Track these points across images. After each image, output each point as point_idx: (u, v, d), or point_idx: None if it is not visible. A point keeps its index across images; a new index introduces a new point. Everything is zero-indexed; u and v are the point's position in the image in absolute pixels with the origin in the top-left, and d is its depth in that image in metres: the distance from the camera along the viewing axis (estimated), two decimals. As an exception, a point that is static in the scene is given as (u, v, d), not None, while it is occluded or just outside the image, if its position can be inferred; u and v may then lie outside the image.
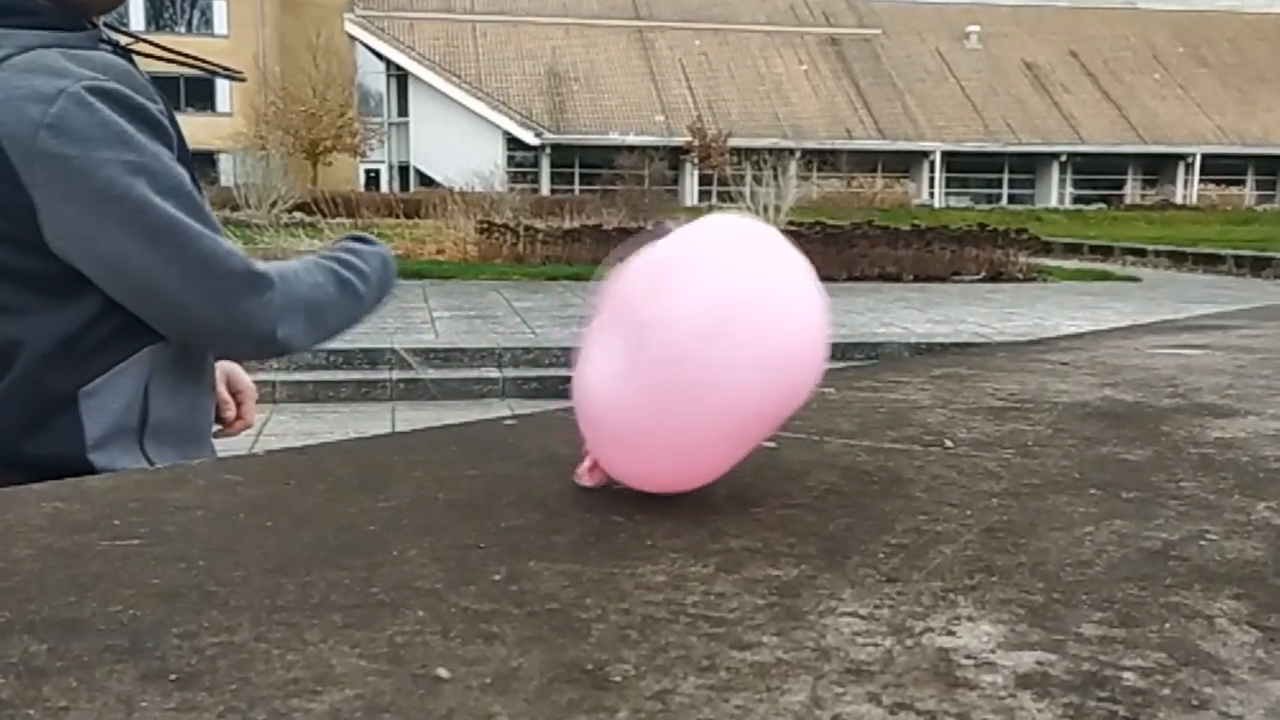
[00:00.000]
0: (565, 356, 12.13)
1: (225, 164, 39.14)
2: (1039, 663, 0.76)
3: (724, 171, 50.52)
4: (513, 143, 61.23)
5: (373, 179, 66.26)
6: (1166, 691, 0.72)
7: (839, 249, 22.92)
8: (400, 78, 65.41)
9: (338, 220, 27.46)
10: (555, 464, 1.29)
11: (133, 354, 1.87)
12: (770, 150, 40.39)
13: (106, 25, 1.94)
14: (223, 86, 59.33)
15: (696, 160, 58.53)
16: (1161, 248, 30.22)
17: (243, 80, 2.45)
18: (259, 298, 1.86)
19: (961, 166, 65.53)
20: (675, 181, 57.89)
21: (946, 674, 0.75)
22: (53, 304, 1.81)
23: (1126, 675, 0.75)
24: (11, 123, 1.71)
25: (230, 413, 2.30)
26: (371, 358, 11.90)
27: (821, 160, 59.06)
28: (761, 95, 64.86)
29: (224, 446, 1.99)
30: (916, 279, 22.10)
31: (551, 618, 0.83)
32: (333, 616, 0.83)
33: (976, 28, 70.63)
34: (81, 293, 1.81)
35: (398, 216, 33.65)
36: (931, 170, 64.53)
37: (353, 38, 64.44)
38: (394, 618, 0.83)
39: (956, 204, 60.68)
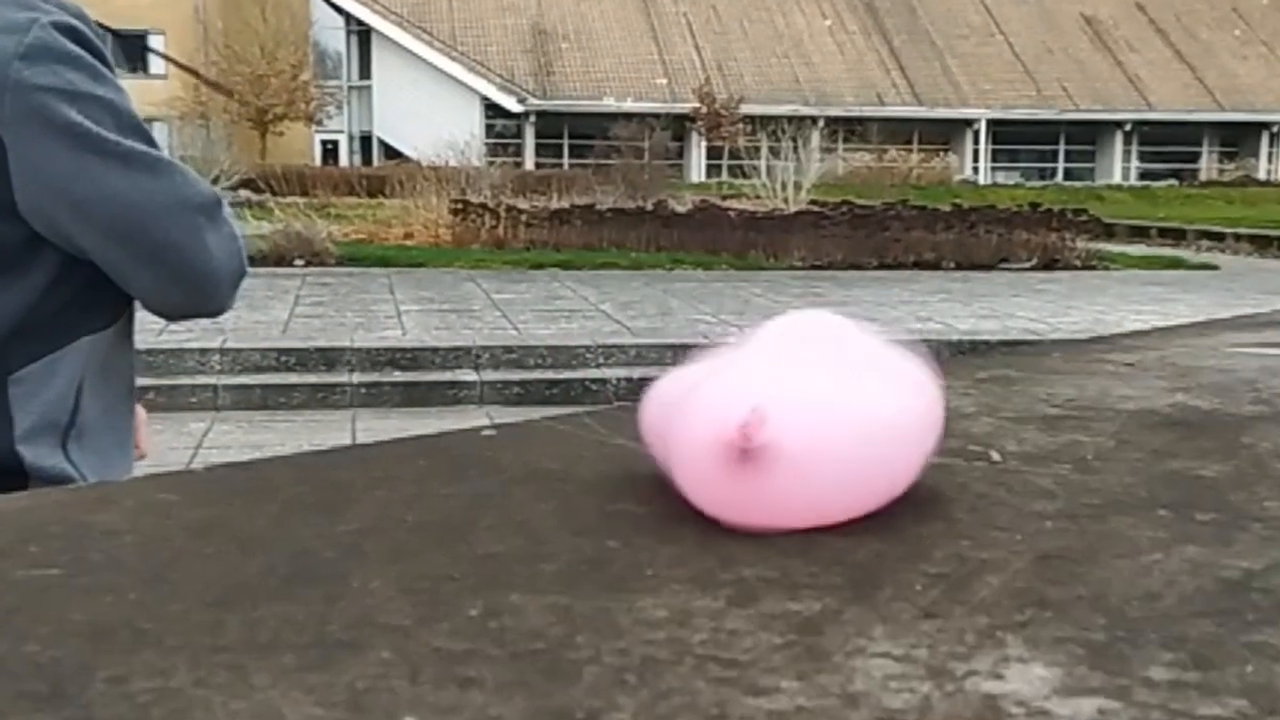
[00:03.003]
0: (551, 357, 12.15)
1: (160, 134, 39.21)
2: (1101, 711, 0.76)
3: (736, 143, 50.61)
4: (492, 110, 61.27)
5: (330, 151, 66.31)
6: (1248, 744, 0.72)
7: (869, 232, 22.98)
8: (362, 34, 65.43)
9: (290, 199, 27.47)
10: (541, 481, 1.29)
11: (69, 343, 1.93)
12: (789, 119, 40.49)
13: None
14: (156, 44, 59.27)
15: (704, 130, 58.60)
16: (1242, 230, 30.27)
17: (229, 95, 2.58)
18: (224, 224, 2.03)
19: (1010, 137, 65.58)
20: (680, 154, 58.00)
21: (993, 724, 0.75)
22: None
23: (1201, 725, 0.74)
24: None
25: None
26: (329, 358, 11.91)
27: (849, 130, 59.11)
28: (779, 55, 64.90)
29: (158, 463, 2.00)
30: (958, 267, 22.14)
31: (536, 659, 0.83)
32: (284, 657, 0.83)
33: (1028, -24, 70.73)
34: (25, 271, 1.90)
35: (359, 195, 33.67)
36: (976, 141, 64.59)
37: (307, -12, 64.51)
38: (354, 659, 0.83)
39: (1004, 180, 60.68)
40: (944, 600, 0.95)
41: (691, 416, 1.12)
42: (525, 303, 15.74)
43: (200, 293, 1.98)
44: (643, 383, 1.25)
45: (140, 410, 2.40)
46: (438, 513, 1.18)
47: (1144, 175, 64.69)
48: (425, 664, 0.82)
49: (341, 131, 66.66)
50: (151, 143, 1.92)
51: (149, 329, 2.15)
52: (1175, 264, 24.48)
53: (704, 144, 59.44)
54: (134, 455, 2.22)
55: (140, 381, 2.25)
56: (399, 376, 11.73)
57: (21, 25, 1.81)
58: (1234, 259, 27.04)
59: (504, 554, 1.06)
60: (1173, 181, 59.75)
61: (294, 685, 0.78)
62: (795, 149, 29.92)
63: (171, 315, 2.08)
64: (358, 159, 63.58)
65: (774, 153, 30.68)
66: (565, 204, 25.38)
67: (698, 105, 58.01)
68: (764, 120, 44.59)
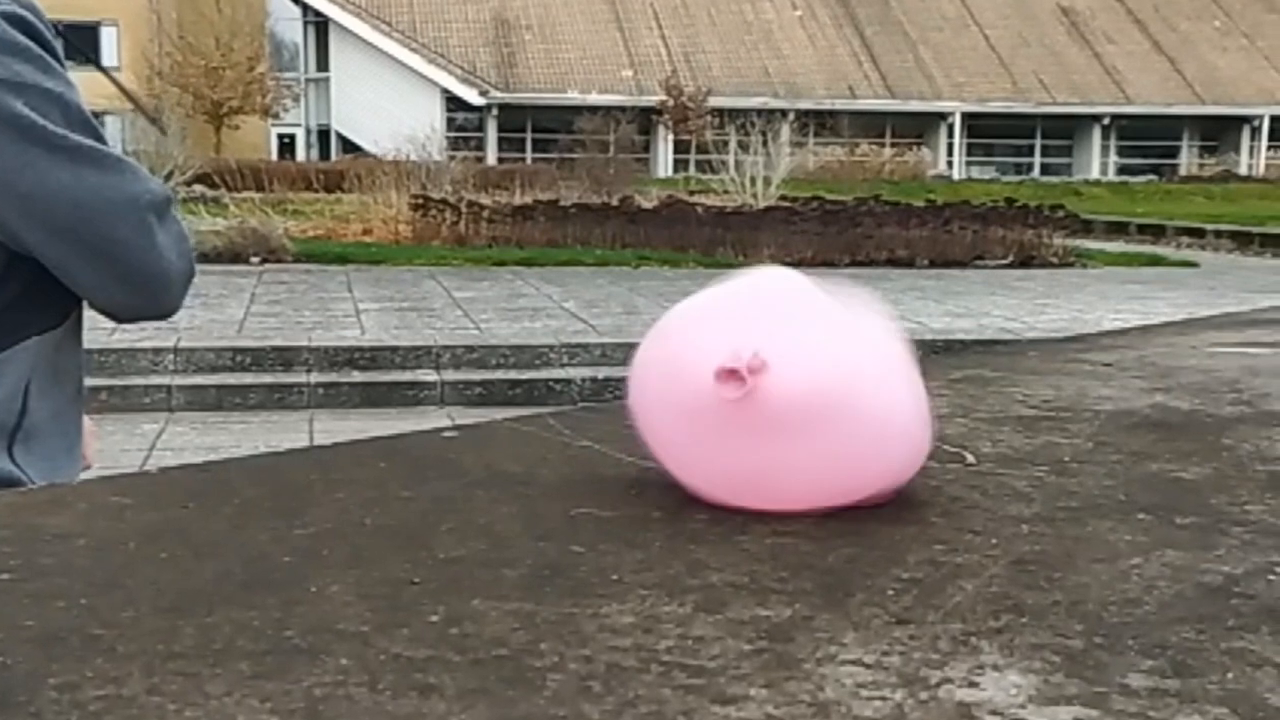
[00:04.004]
0: (514, 356, 12.12)
1: (112, 127, 38.77)
2: (1078, 719, 0.76)
3: (704, 137, 50.52)
4: (453, 103, 61.11)
5: (287, 145, 66.08)
6: (1227, 752, 0.73)
7: (840, 228, 22.96)
8: (319, 25, 65.24)
9: (245, 194, 27.36)
10: (503, 483, 1.29)
11: (16, 343, 1.92)
12: (759, 112, 40.40)
13: None
14: (109, 35, 59.02)
15: (671, 123, 58.51)
16: (1223, 227, 30.36)
17: (162, 131, 2.57)
18: (174, 223, 1.99)
19: (985, 131, 65.66)
20: (646, 148, 57.86)
21: (968, 732, 0.75)
22: None
23: (1180, 733, 0.75)
24: None
25: None
26: (286, 358, 11.86)
27: (820, 123, 59.04)
28: (748, 46, 64.89)
29: (111, 465, 1.99)
30: (932, 264, 22.16)
31: (499, 666, 0.83)
32: (239, 665, 0.83)
33: (1003, -34, 70.82)
34: None
35: (317, 190, 33.54)
36: (950, 135, 64.65)
37: (263, -23, 64.30)
38: (312, 666, 0.83)
39: (980, 175, 60.80)
40: (917, 606, 0.95)
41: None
42: (487, 301, 15.70)
43: (148, 293, 1.96)
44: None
45: (88, 421, 2.38)
46: (398, 516, 1.18)
47: (1122, 170, 64.76)
48: (385, 671, 0.82)
49: (298, 125, 66.43)
50: (100, 138, 1.90)
51: (101, 328, 2.13)
52: (1154, 261, 24.53)
53: (671, 138, 59.34)
54: (81, 463, 2.20)
55: (92, 381, 2.24)
56: (358, 377, 11.68)
57: None
58: (1214, 256, 27.12)
59: (465, 558, 1.06)
60: (1152, 177, 59.81)
61: (250, 693, 0.78)
62: (765, 143, 29.86)
63: (120, 316, 2.06)
64: (315, 153, 63.35)
65: (743, 147, 30.61)
66: (528, 200, 25.29)
67: (664, 98, 57.90)
68: (733, 113, 44.55)
